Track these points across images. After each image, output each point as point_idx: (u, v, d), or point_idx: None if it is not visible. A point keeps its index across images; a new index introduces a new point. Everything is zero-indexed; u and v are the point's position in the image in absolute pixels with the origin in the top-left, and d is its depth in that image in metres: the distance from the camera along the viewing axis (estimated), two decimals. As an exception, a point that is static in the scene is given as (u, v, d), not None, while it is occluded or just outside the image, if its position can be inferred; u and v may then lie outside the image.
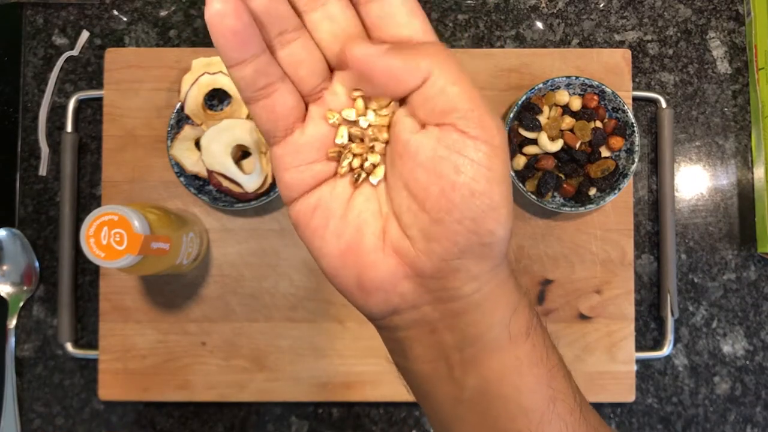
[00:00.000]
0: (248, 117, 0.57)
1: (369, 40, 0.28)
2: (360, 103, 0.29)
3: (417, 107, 0.27)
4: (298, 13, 0.28)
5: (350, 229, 0.29)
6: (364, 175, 0.29)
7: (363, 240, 0.29)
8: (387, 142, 0.29)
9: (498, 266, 0.29)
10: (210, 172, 0.56)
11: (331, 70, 0.29)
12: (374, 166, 0.29)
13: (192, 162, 0.57)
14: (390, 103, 0.29)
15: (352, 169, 0.30)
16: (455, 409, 0.30)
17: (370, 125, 0.29)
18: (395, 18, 0.27)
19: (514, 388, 0.29)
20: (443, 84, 0.26)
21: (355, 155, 0.29)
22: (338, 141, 0.29)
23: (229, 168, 0.56)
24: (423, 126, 0.28)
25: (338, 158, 0.30)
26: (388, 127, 0.29)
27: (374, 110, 0.29)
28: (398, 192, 0.28)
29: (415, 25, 0.28)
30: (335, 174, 0.30)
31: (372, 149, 0.29)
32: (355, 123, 0.29)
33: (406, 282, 0.28)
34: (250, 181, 0.56)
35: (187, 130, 0.57)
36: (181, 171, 0.57)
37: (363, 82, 0.28)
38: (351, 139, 0.29)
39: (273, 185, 0.57)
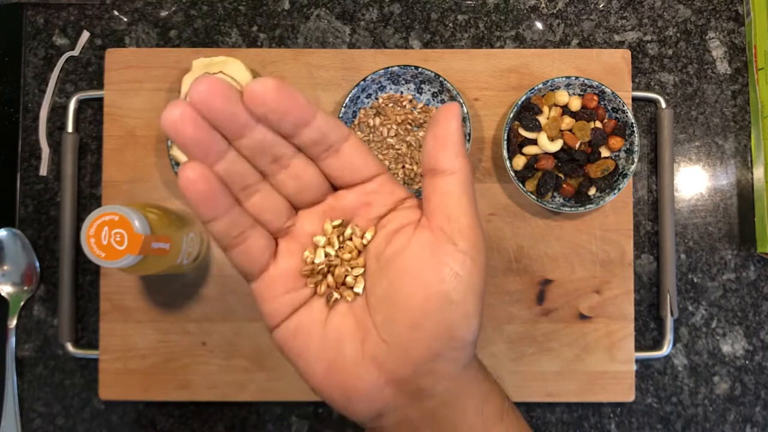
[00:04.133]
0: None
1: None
2: (328, 226, 0.32)
3: (430, 193, 0.31)
4: (263, 174, 0.30)
5: (330, 347, 0.31)
6: (336, 295, 0.32)
7: (344, 356, 0.31)
8: (364, 265, 0.32)
9: (467, 365, 0.32)
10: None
11: (297, 209, 0.32)
12: (355, 278, 0.32)
13: (192, 162, 0.57)
14: (365, 232, 0.32)
15: (328, 287, 0.32)
16: None
17: (338, 251, 0.32)
18: (353, 165, 0.31)
19: None
20: (460, 190, 0.30)
21: (325, 275, 0.32)
22: (316, 261, 0.32)
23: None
24: (416, 226, 0.31)
25: (311, 276, 0.32)
26: (360, 251, 0.32)
27: (342, 238, 0.32)
28: (379, 302, 0.31)
29: (371, 165, 0.31)
30: (312, 295, 0.32)
31: (351, 267, 0.32)
32: (328, 244, 0.32)
33: (387, 388, 0.30)
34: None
35: (188, 131, 0.57)
36: (181, 171, 0.57)
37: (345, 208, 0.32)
38: (324, 262, 0.32)
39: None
